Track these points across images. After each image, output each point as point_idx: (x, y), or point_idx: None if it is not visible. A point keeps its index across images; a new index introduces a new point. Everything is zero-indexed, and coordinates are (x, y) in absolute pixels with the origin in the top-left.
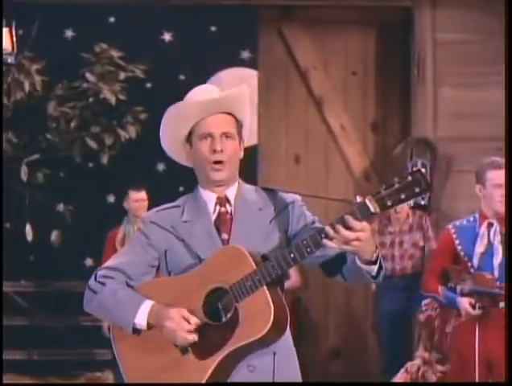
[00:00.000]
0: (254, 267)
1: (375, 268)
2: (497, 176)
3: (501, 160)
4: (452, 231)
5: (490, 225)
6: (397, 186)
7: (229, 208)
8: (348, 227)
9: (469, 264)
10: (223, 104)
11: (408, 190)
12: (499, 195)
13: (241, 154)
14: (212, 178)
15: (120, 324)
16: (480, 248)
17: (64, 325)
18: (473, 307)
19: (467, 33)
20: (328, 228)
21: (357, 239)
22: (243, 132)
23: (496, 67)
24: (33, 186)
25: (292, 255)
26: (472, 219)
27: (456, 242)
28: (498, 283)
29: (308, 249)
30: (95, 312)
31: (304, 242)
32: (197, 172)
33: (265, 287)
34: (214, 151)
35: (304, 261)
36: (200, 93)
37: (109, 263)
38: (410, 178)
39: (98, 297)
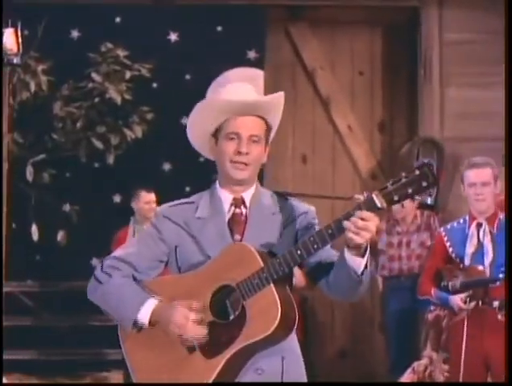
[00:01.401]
0: (261, 264)
1: (362, 262)
2: (472, 175)
3: (479, 159)
4: (443, 234)
5: (479, 225)
6: (404, 180)
7: (243, 210)
8: (361, 219)
9: (461, 265)
10: (259, 108)
11: (415, 184)
12: (474, 194)
13: (265, 159)
14: (233, 176)
15: (121, 318)
16: (470, 248)
17: (70, 325)
18: (465, 302)
19: (474, 33)
20: (345, 222)
21: (366, 228)
22: (270, 136)
23: (502, 67)
24: (39, 186)
25: (299, 252)
26: (462, 220)
27: (447, 244)
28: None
29: (315, 246)
30: (97, 302)
31: (311, 239)
32: (218, 169)
33: (272, 285)
34: (239, 153)
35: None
36: (238, 92)
37: (117, 253)
38: (417, 172)
39: (103, 288)
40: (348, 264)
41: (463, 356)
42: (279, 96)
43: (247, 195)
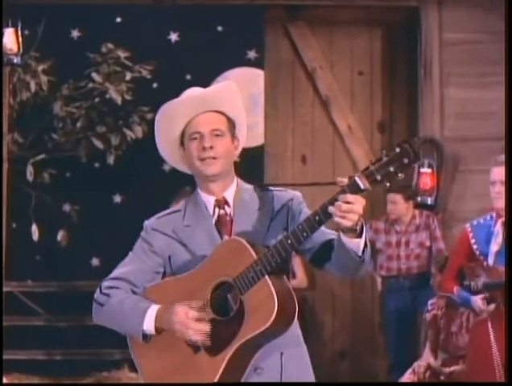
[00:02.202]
0: (255, 257)
1: (361, 242)
2: (494, 173)
3: (502, 157)
4: (469, 230)
5: (505, 224)
6: (385, 159)
7: (228, 210)
8: (345, 202)
9: (485, 263)
10: (209, 100)
11: (397, 162)
12: (494, 192)
13: (236, 153)
14: (204, 172)
15: (130, 333)
16: (494, 246)
17: (70, 324)
18: (487, 303)
19: (473, 33)
20: (330, 208)
21: (352, 210)
22: (236, 131)
23: (502, 67)
24: (39, 186)
25: (289, 241)
26: (488, 217)
27: (472, 241)
28: None
29: (304, 234)
30: (104, 323)
31: (300, 227)
32: (193, 173)
33: (267, 277)
34: (203, 148)
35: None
36: (188, 93)
37: (113, 273)
38: (398, 149)
39: (105, 310)
40: (347, 246)
41: (493, 356)
42: (226, 86)
43: (229, 194)
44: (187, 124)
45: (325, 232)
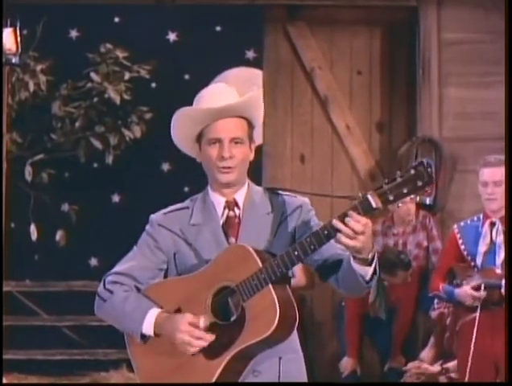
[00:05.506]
0: (260, 265)
1: (370, 270)
2: (484, 174)
3: (493, 158)
4: (456, 231)
5: (493, 224)
6: (399, 180)
7: (237, 212)
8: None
9: (473, 263)
10: (237, 109)
11: (411, 184)
12: (485, 193)
13: (252, 156)
14: (220, 180)
15: (129, 332)
16: (482, 247)
17: (68, 324)
18: (476, 289)
19: (472, 32)
20: (335, 222)
21: (362, 233)
22: (254, 133)
23: (502, 67)
24: (38, 186)
25: (296, 253)
26: (476, 218)
27: (460, 242)
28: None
29: (312, 247)
30: (105, 318)
31: (308, 239)
32: (206, 173)
33: (270, 286)
34: (222, 158)
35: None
36: (215, 98)
37: (117, 268)
38: (412, 171)
39: (107, 306)
40: (356, 271)
41: (471, 356)
42: (256, 95)
43: (239, 196)
44: (207, 126)
45: (334, 246)
